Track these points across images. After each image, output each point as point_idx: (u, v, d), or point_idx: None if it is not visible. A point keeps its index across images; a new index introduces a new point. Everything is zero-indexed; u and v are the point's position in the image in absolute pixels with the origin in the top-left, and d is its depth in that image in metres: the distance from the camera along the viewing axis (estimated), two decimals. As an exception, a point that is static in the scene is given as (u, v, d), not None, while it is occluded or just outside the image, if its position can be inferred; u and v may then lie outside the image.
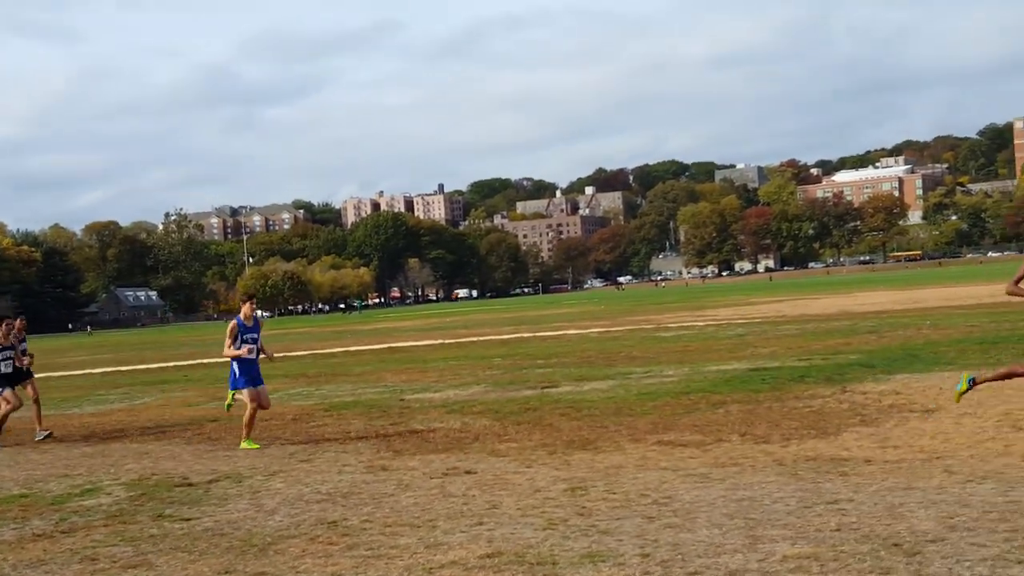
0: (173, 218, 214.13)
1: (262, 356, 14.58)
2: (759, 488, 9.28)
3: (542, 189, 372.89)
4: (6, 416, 16.38)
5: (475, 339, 40.55)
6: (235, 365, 14.23)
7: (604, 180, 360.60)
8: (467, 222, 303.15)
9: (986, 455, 10.25)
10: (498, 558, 7.45)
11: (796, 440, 11.89)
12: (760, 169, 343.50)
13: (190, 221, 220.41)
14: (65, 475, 12.69)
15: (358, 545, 8.08)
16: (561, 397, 17.55)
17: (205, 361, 38.90)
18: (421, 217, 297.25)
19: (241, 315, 14.42)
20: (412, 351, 35.26)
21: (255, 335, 14.42)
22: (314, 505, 9.78)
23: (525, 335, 40.67)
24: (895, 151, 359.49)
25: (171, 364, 38.51)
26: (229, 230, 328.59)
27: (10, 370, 16.37)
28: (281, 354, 36.56)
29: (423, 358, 30.74)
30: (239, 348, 14.09)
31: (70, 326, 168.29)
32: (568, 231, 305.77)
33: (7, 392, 16.16)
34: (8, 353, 16.40)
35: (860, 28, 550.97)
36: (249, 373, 14.18)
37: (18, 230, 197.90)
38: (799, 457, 10.80)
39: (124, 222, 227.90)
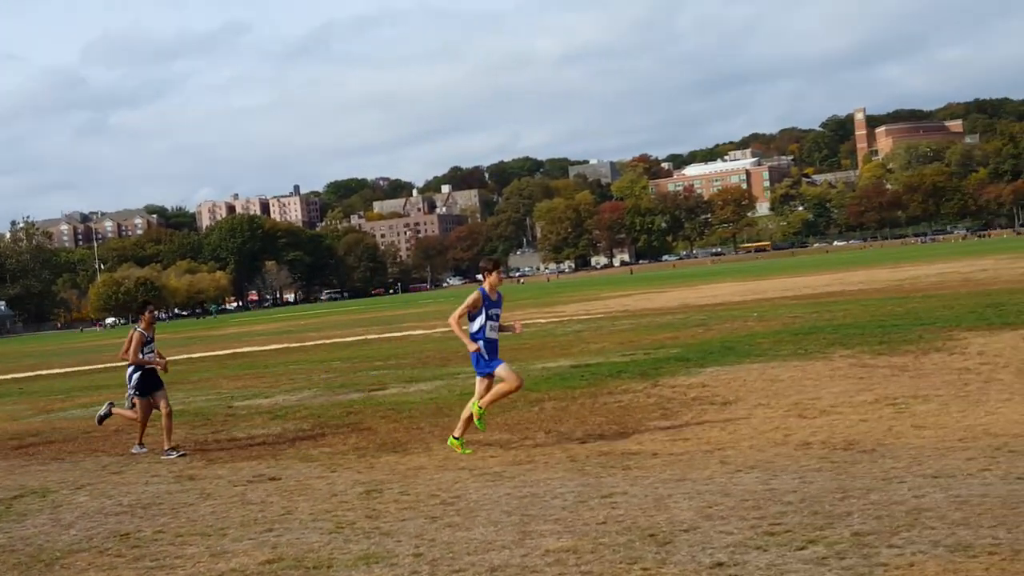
0: (20, 226, 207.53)
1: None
2: (544, 485, 9.68)
3: (399, 188, 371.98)
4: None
5: (321, 342, 40.51)
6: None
7: (460, 178, 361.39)
8: (324, 223, 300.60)
9: (764, 445, 10.86)
10: (278, 563, 7.68)
11: (597, 436, 12.36)
12: (612, 164, 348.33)
13: (38, 229, 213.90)
14: None
15: (144, 557, 8.21)
16: (386, 400, 17.81)
17: (45, 372, 38.12)
18: (278, 219, 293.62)
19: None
20: (254, 356, 35.09)
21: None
22: (112, 518, 9.85)
23: (371, 337, 40.78)
24: (743, 144, 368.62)
25: (9, 376, 37.54)
26: (80, 237, 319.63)
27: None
28: (109, 365, 36.02)
29: (264, 363, 30.65)
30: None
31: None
32: (425, 230, 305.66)
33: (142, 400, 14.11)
34: (152, 347, 14.36)
35: (706, 23, 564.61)
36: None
37: None
38: (594, 453, 11.26)
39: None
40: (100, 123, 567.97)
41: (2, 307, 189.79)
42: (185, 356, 39.24)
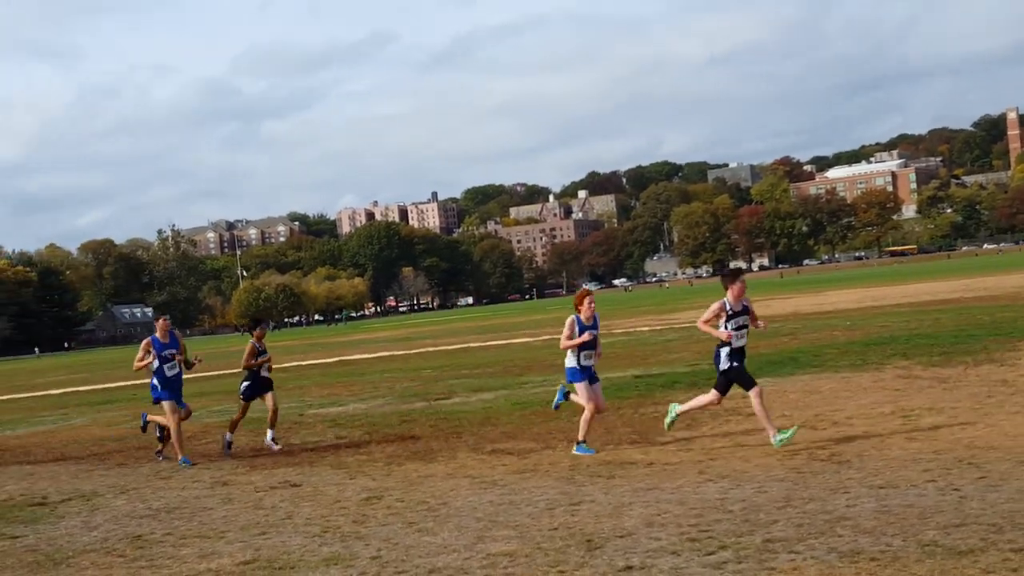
0: (167, 234, 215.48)
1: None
2: (527, 493, 10.30)
3: (535, 194, 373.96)
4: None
5: (426, 350, 41.59)
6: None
7: (597, 183, 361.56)
8: (461, 229, 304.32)
9: (754, 456, 11.28)
10: (253, 564, 8.46)
11: (616, 446, 12.91)
12: (752, 168, 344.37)
13: (184, 237, 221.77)
14: (-55, 497, 13.73)
15: (142, 557, 9.09)
16: (445, 409, 18.58)
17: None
18: (415, 226, 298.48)
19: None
20: (358, 364, 36.29)
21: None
22: (135, 520, 10.79)
23: (473, 345, 41.72)
24: (889, 145, 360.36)
25: (133, 383, 39.46)
26: (225, 244, 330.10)
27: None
28: (223, 372, 37.64)
29: (362, 371, 31.76)
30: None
31: (66, 344, 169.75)
32: (561, 235, 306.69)
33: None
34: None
35: (856, 24, 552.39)
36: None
37: (13, 251, 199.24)
38: (597, 462, 11.81)
39: (127, 240, 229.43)
40: (249, 133, 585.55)
41: (150, 313, 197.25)
42: (295, 364, 40.74)
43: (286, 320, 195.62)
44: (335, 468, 13.16)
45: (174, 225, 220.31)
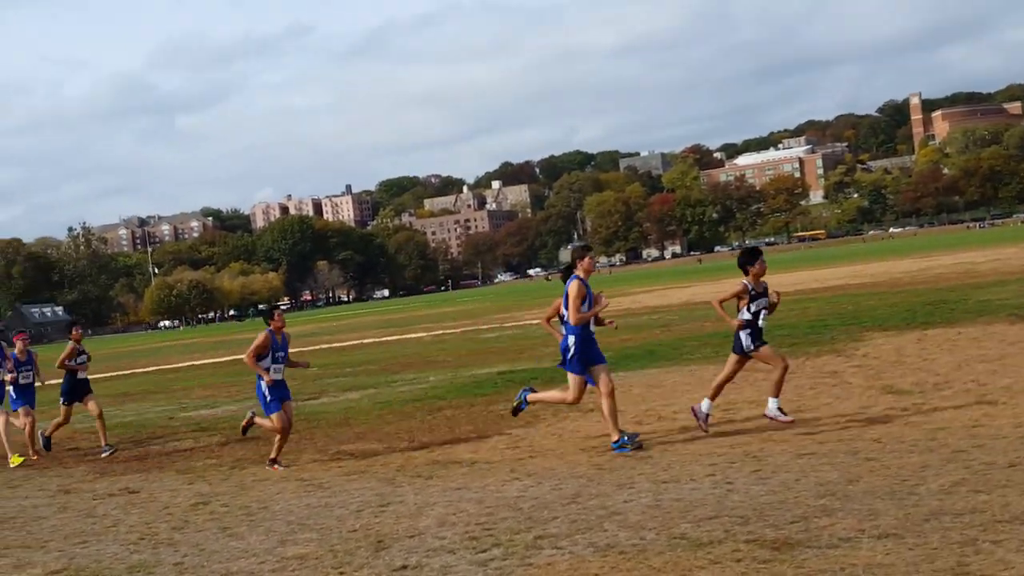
0: (77, 232, 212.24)
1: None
2: (346, 495, 10.76)
3: (449, 185, 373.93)
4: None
5: (323, 347, 41.84)
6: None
7: (511, 174, 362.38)
8: (375, 221, 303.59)
9: (568, 452, 11.87)
10: (61, 573, 8.82)
11: (449, 445, 13.40)
12: (663, 156, 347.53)
13: (94, 234, 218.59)
14: None
15: (-41, 567, 9.42)
16: (308, 409, 18.96)
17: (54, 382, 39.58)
18: (330, 219, 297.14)
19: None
20: (243, 365, 36.37)
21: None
22: (-32, 531, 11.08)
23: (368, 341, 42.08)
24: (797, 132, 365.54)
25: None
26: (138, 241, 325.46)
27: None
28: (119, 373, 37.65)
29: (243, 371, 31.89)
30: None
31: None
32: (476, 226, 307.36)
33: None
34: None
35: (764, 10, 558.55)
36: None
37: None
38: (425, 462, 12.31)
39: (36, 238, 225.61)
40: (163, 127, 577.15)
41: (61, 312, 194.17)
42: (190, 363, 40.77)
43: (200, 317, 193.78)
44: (180, 473, 13.52)
45: (84, 223, 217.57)
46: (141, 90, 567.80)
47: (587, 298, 11.90)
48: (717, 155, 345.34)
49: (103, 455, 15.78)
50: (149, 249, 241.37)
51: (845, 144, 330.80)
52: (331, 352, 37.21)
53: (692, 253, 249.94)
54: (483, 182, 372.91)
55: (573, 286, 11.85)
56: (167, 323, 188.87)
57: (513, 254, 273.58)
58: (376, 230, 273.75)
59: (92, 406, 16.59)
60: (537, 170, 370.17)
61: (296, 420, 17.38)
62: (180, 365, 40.09)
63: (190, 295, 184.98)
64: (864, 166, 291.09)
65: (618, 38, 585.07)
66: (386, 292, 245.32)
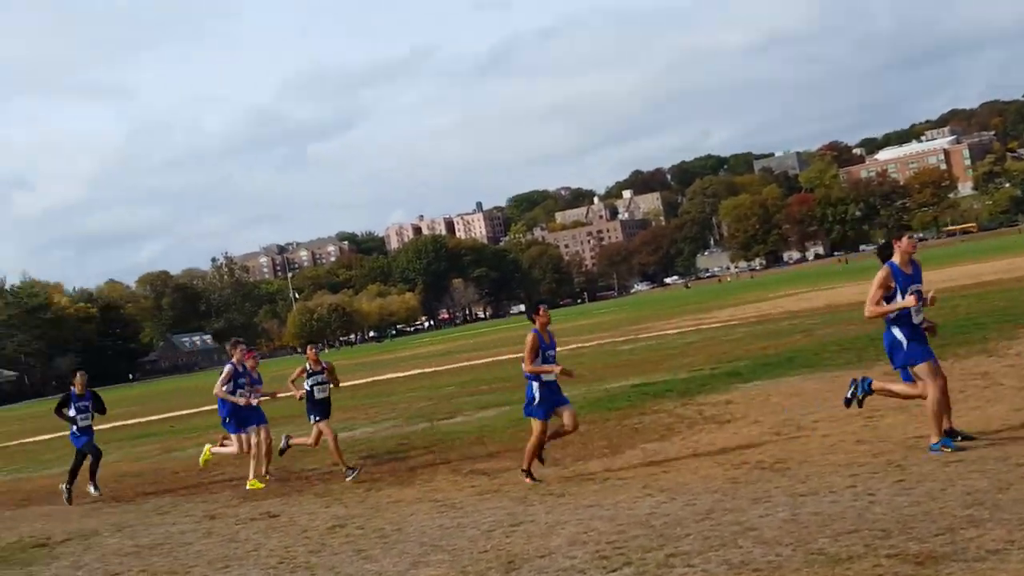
0: (220, 262, 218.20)
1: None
2: (478, 515, 10.74)
3: (580, 197, 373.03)
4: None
5: (460, 365, 42.13)
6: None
7: (641, 182, 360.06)
8: (508, 237, 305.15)
9: (704, 467, 11.63)
10: (203, 598, 9.00)
11: (582, 461, 13.31)
12: (799, 155, 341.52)
13: (236, 263, 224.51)
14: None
15: (107, 595, 9.67)
16: (444, 429, 19.08)
17: (212, 408, 40.53)
18: (462, 237, 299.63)
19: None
20: (386, 385, 36.94)
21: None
22: (120, 559, 11.37)
23: (504, 357, 42.18)
24: (940, 122, 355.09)
25: (175, 414, 40.39)
26: (278, 267, 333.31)
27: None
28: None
29: (389, 392, 32.41)
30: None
31: (130, 376, 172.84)
32: (609, 237, 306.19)
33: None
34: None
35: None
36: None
37: (74, 288, 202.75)
38: (556, 478, 12.23)
39: (182, 270, 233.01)
40: (297, 156, 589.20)
41: (209, 341, 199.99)
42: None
43: (340, 339, 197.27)
44: (318, 496, 13.70)
45: (227, 252, 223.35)
46: (273, 121, 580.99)
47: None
48: (856, 151, 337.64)
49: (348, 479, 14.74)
50: (289, 275, 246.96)
51: (992, 133, 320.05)
52: (468, 370, 37.44)
53: (836, 254, 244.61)
54: (614, 192, 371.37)
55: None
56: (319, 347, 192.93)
57: (648, 263, 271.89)
58: (509, 246, 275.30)
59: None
60: (668, 176, 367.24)
61: (431, 440, 17.54)
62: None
63: (330, 318, 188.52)
64: (1015, 154, 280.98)
65: (747, 37, 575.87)
66: (522, 307, 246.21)
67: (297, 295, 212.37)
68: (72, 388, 17.10)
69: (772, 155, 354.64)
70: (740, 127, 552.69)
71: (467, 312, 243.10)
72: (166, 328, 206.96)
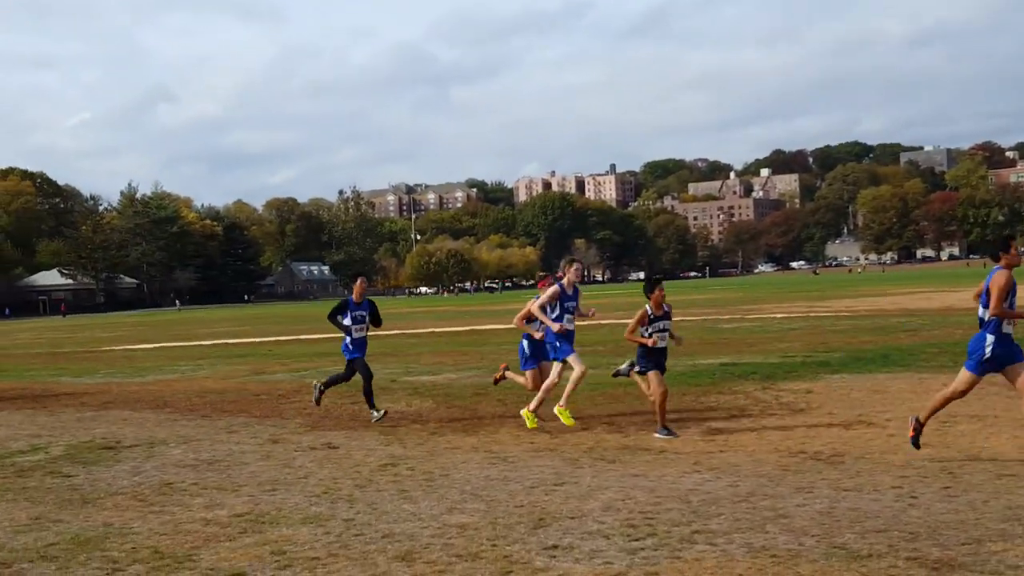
0: (347, 196, 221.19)
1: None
2: (526, 470, 10.81)
3: (717, 170, 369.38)
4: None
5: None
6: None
7: (782, 162, 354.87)
8: (637, 203, 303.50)
9: (761, 451, 11.50)
10: (244, 517, 9.18)
11: (645, 432, 13.24)
12: (949, 152, 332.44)
13: (363, 198, 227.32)
14: (36, 435, 15.07)
15: (157, 503, 9.97)
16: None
17: (314, 336, 41.39)
18: (592, 197, 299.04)
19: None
20: (483, 335, 37.15)
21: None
22: (176, 469, 11.75)
23: (606, 322, 42.05)
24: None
25: (281, 338, 41.29)
26: (404, 207, 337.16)
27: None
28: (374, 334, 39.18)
29: (483, 341, 32.66)
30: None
31: (246, 297, 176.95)
32: (740, 214, 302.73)
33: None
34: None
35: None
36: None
37: (202, 205, 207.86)
38: (615, 446, 12.22)
39: (309, 199, 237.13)
40: (439, 98, 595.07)
41: (327, 272, 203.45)
42: (430, 330, 41.94)
43: (455, 286, 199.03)
44: (382, 434, 13.91)
45: (354, 186, 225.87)
46: (420, 61, 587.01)
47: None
48: (1009, 154, 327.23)
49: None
50: (413, 216, 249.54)
51: None
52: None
53: (972, 256, 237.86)
54: (751, 169, 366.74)
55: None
56: (425, 289, 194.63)
57: (777, 245, 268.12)
58: (637, 211, 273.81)
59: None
60: (810, 160, 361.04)
61: (506, 394, 17.62)
62: (422, 331, 41.30)
63: (448, 264, 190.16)
64: None
65: (911, 27, 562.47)
66: (641, 275, 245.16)
67: (419, 236, 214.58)
68: (349, 296, 15.78)
69: (921, 149, 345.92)
70: (892, 118, 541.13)
71: (586, 273, 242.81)
72: (287, 254, 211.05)
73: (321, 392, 15.99)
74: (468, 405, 16.67)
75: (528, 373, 14.97)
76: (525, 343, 14.99)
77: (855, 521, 8.09)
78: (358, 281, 15.85)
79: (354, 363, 15.45)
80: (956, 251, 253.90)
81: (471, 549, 7.83)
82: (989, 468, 9.92)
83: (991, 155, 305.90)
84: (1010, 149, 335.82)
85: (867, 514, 8.29)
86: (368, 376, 15.31)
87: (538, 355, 14.71)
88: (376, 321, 15.77)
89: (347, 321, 15.41)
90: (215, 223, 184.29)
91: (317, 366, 25.38)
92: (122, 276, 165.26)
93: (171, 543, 8.35)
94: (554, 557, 7.54)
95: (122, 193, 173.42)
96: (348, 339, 15.45)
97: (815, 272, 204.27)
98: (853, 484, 9.47)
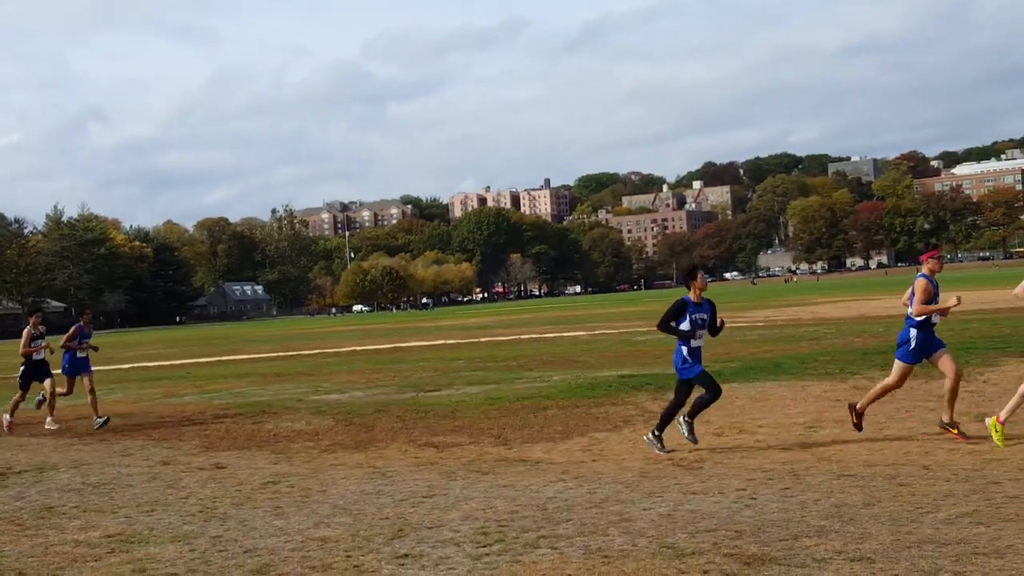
0: (280, 214, 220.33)
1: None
2: (403, 485, 11.17)
3: (650, 183, 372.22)
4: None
5: (483, 340, 42.60)
6: None
7: (713, 174, 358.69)
8: (572, 217, 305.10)
9: (629, 459, 11.97)
10: (114, 538, 9.42)
11: (529, 444, 13.67)
12: (875, 162, 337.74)
13: (296, 217, 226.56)
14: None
15: (34, 527, 10.16)
16: (425, 401, 19.52)
17: (236, 358, 41.42)
18: (527, 212, 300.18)
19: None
20: (406, 352, 37.44)
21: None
22: (62, 494, 11.93)
23: (526, 336, 42.59)
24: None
25: (202, 360, 41.26)
26: (339, 225, 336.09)
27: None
28: (284, 354, 39.29)
29: (401, 359, 32.93)
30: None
31: (178, 319, 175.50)
32: (673, 226, 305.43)
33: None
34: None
35: (1005, 12, 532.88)
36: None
37: (131, 226, 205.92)
38: (495, 458, 12.63)
39: (245, 217, 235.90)
40: (376, 116, 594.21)
41: (260, 291, 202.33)
42: (351, 349, 42.15)
43: (388, 304, 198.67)
44: (274, 452, 14.22)
45: (287, 205, 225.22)
46: (357, 79, 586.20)
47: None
48: (934, 163, 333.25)
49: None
50: (347, 234, 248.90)
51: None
52: (487, 346, 37.85)
53: (899, 264, 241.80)
54: (684, 181, 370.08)
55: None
56: (360, 308, 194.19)
57: (710, 256, 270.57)
58: (572, 225, 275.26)
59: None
60: (741, 171, 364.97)
61: (405, 411, 17.99)
62: (343, 350, 41.50)
63: (383, 281, 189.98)
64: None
65: (844, 38, 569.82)
66: (577, 288, 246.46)
67: (354, 254, 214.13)
68: (688, 297, 12.46)
69: (848, 159, 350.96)
70: (821, 128, 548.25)
71: (522, 288, 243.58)
72: (219, 275, 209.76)
73: (659, 440, 12.48)
74: (366, 422, 16.99)
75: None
76: None
77: (690, 522, 8.55)
78: (698, 277, 12.54)
79: (694, 378, 12.46)
80: (884, 259, 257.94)
81: (326, 561, 8.17)
82: (833, 470, 10.46)
83: (916, 164, 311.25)
84: (935, 158, 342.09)
85: (704, 515, 8.76)
86: (714, 392, 12.36)
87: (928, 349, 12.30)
88: (714, 327, 12.64)
89: (684, 326, 12.31)
90: (144, 244, 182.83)
91: (231, 387, 25.56)
92: (48, 300, 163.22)
93: (37, 565, 8.60)
94: (402, 565, 7.90)
95: (48, 216, 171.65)
96: (684, 347, 12.39)
97: (753, 282, 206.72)
98: (701, 488, 9.95)
